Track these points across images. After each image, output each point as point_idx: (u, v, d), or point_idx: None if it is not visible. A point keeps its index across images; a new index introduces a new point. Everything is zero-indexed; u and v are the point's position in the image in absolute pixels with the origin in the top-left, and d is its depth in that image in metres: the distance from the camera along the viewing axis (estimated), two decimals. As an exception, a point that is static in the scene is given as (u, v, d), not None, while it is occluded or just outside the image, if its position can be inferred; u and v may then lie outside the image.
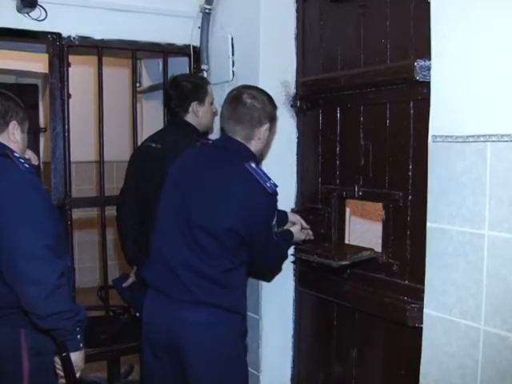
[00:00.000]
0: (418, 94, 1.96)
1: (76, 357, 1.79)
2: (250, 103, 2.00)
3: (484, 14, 1.64)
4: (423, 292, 1.87)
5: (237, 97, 2.02)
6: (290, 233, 2.33)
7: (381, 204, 2.21)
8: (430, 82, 1.82)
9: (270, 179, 1.97)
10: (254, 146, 2.05)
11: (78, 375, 1.82)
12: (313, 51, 2.52)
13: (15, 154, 1.84)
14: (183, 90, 2.46)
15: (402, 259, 2.10)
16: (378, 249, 2.21)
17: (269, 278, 2.57)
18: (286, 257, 2.37)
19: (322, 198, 2.48)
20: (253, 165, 1.99)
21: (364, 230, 2.75)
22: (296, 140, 2.61)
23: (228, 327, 2.02)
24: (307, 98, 2.51)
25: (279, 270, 2.53)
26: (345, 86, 2.27)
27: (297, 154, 2.62)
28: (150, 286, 2.08)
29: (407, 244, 2.07)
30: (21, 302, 1.70)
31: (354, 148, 2.28)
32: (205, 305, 1.95)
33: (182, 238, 1.97)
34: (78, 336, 1.78)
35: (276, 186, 1.98)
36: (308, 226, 2.45)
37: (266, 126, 2.04)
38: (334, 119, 2.38)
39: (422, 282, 1.87)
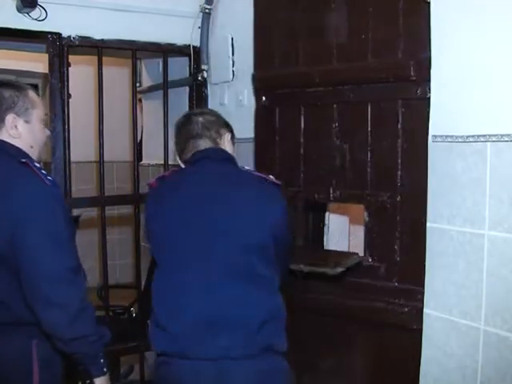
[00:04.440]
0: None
1: (100, 382, 1.67)
2: None
3: (484, 14, 1.64)
4: (416, 293, 1.87)
5: None
6: None
7: (362, 206, 2.13)
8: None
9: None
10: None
11: None
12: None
13: (36, 164, 1.66)
14: None
15: (389, 262, 2.04)
16: (361, 252, 2.14)
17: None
18: None
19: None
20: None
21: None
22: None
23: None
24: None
25: None
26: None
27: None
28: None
29: (396, 246, 2.02)
30: (42, 325, 1.58)
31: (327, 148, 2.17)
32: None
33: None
34: (102, 360, 1.66)
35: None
36: None
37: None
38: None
39: (415, 283, 1.87)
